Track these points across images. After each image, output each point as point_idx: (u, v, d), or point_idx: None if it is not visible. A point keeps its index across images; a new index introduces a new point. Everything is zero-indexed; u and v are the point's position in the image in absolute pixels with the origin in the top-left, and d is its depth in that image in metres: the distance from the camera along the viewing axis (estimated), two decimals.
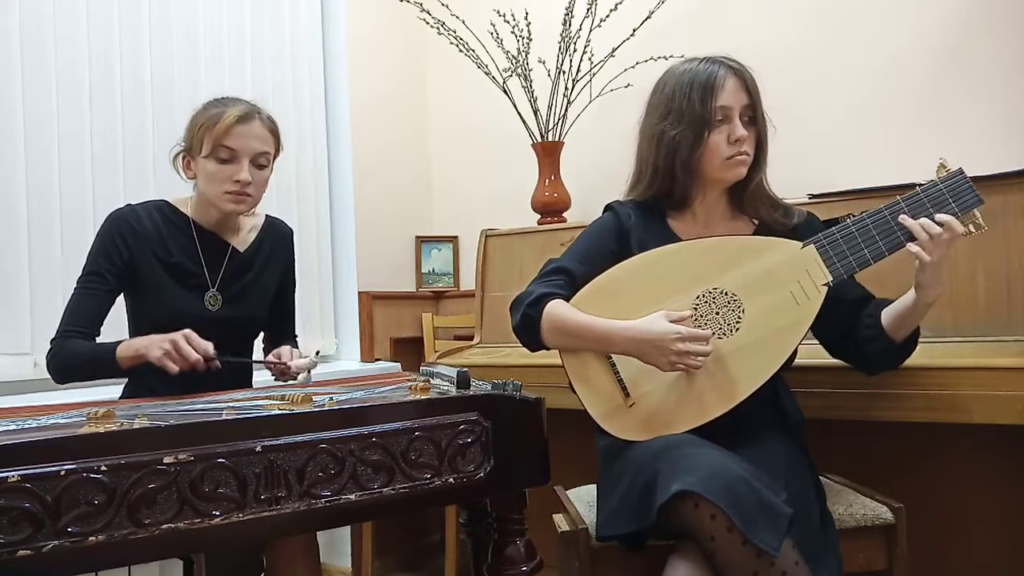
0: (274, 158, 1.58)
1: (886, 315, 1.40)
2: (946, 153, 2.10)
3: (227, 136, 1.47)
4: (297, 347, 1.73)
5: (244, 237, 1.66)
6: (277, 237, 1.71)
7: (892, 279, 1.52)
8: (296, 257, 1.79)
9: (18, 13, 1.84)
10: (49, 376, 1.48)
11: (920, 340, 1.44)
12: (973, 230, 1.35)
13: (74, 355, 1.44)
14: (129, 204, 1.58)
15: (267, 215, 1.73)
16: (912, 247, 1.31)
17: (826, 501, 1.42)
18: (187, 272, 1.56)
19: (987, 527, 1.80)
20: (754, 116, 1.45)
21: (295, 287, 1.79)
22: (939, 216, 1.31)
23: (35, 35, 1.87)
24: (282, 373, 1.57)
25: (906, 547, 1.44)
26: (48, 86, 1.89)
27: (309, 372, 1.56)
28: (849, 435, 1.80)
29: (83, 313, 1.48)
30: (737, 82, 1.43)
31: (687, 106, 1.42)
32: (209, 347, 1.37)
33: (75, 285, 1.51)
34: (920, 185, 1.36)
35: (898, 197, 1.37)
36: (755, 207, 1.51)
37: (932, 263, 1.30)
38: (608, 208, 1.59)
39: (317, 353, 1.60)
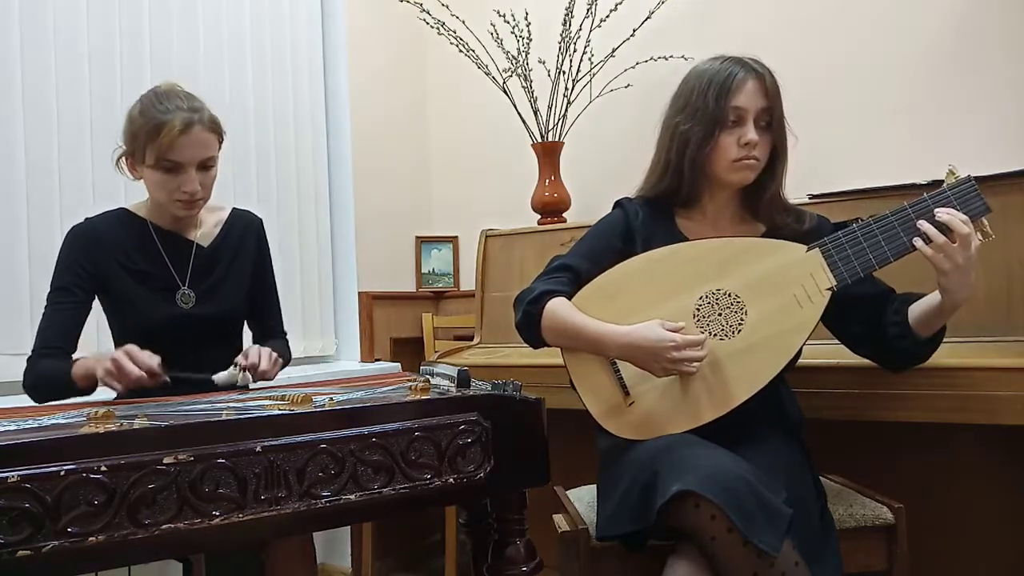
0: (219, 148, 1.52)
1: (913, 313, 1.38)
2: (946, 154, 2.09)
3: (171, 150, 1.42)
4: (283, 345, 1.68)
5: (208, 231, 1.62)
6: (244, 228, 1.66)
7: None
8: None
9: (18, 13, 1.84)
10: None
11: None
12: (981, 238, 1.32)
13: (42, 378, 1.43)
14: (87, 218, 1.56)
15: (233, 207, 1.69)
16: (927, 250, 1.29)
17: (826, 501, 1.41)
18: (154, 276, 1.54)
19: (988, 527, 1.80)
20: (771, 122, 1.42)
21: (274, 278, 1.73)
22: (943, 216, 1.29)
23: (35, 35, 1.87)
24: (262, 376, 1.47)
25: (906, 547, 1.44)
26: (48, 86, 1.89)
27: (245, 375, 1.44)
28: (849, 435, 1.80)
29: (55, 330, 1.46)
30: (756, 84, 1.40)
31: (702, 103, 1.41)
32: (154, 362, 1.31)
33: (45, 303, 1.48)
34: (925, 187, 1.35)
35: (905, 203, 1.35)
36: (770, 217, 1.48)
37: (951, 269, 1.27)
38: (617, 205, 1.58)
39: (242, 371, 1.45)
